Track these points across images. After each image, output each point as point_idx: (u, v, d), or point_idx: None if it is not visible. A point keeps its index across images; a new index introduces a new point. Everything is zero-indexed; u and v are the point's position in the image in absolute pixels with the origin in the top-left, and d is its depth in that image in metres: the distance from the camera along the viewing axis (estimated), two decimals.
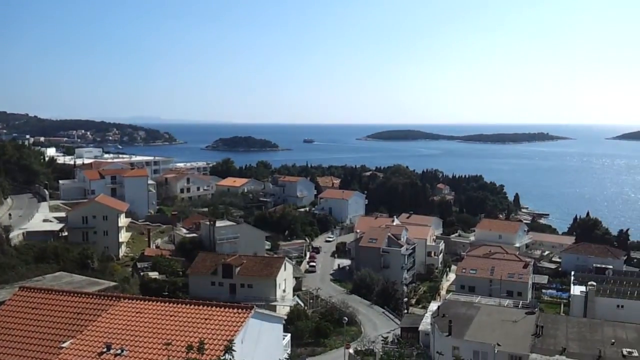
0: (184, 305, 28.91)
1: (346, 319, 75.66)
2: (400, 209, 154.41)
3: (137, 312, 27.89)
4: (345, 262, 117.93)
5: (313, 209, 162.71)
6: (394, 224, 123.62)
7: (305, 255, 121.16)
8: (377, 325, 80.00)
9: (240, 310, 28.16)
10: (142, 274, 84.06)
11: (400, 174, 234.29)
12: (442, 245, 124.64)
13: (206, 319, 27.30)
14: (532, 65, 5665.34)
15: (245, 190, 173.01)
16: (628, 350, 47.43)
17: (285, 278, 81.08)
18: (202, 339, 23.81)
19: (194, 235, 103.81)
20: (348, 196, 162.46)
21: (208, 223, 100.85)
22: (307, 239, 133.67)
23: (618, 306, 76.98)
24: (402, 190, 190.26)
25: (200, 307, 28.48)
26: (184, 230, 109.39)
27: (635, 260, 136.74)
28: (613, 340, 49.64)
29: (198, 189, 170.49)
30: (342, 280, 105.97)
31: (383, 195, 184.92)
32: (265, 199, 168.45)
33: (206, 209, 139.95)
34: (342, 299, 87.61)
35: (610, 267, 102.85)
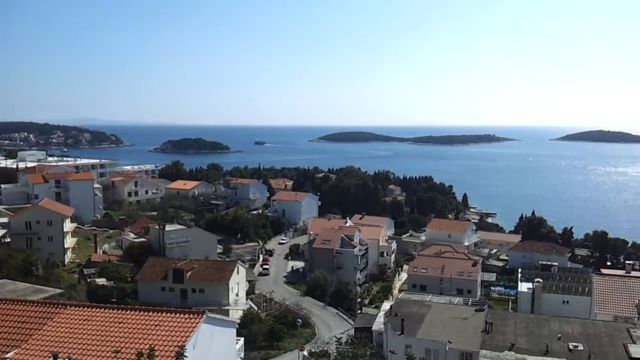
0: (133, 312, 28.17)
1: (300, 321, 75.49)
2: (353, 210, 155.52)
3: (84, 320, 26.98)
4: (299, 264, 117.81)
5: (266, 211, 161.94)
6: (347, 225, 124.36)
7: (259, 258, 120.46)
8: (331, 327, 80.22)
9: (191, 316, 27.67)
10: (89, 280, 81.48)
11: (352, 175, 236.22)
12: (394, 246, 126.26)
13: (156, 325, 26.66)
14: (478, 69, 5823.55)
15: (196, 193, 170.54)
16: (574, 344, 49.06)
17: (238, 282, 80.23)
18: (153, 345, 23.22)
19: (143, 240, 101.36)
20: (301, 198, 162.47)
21: (157, 227, 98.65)
22: (260, 241, 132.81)
23: (563, 302, 79.69)
24: (354, 191, 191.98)
25: (150, 313, 27.80)
26: (132, 235, 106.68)
27: (579, 257, 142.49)
28: (559, 335, 51.19)
29: (146, 192, 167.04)
30: (296, 283, 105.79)
31: (336, 197, 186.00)
32: (216, 202, 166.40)
33: (155, 213, 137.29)
34: (296, 301, 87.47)
35: (556, 264, 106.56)
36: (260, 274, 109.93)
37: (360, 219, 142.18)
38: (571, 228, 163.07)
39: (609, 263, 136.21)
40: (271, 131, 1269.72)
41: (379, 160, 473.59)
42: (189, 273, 76.86)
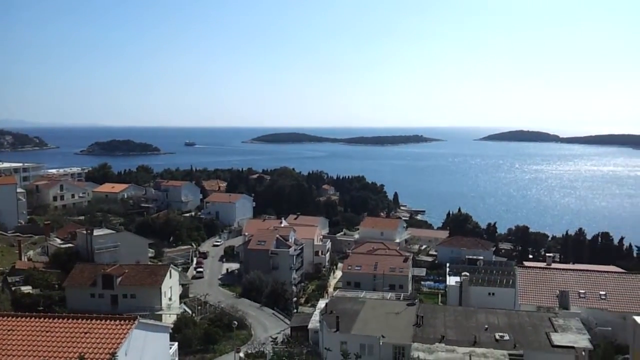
0: (60, 320, 27.40)
1: (236, 323, 75.01)
2: (288, 211, 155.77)
3: (8, 330, 25.93)
4: (234, 265, 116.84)
5: (199, 213, 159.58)
6: (282, 225, 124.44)
7: (192, 261, 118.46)
8: (268, 327, 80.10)
9: (122, 322, 27.20)
10: (13, 288, 77.46)
11: (287, 176, 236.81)
12: (328, 244, 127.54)
13: (86, 333, 26.04)
14: (406, 72, 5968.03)
15: (125, 197, 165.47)
16: (500, 334, 51.47)
17: (171, 286, 78.57)
18: (82, 353, 22.67)
19: (70, 245, 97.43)
20: (235, 199, 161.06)
21: (85, 232, 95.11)
22: (193, 244, 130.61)
23: (489, 294, 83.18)
24: (289, 192, 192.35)
25: (79, 320, 27.13)
26: (59, 241, 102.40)
27: (502, 250, 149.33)
28: (486, 326, 53.54)
29: (73, 196, 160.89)
30: (231, 285, 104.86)
31: (271, 198, 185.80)
32: (147, 205, 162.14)
33: (82, 218, 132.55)
34: (231, 303, 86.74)
35: (481, 257, 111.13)
36: (194, 277, 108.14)
37: (295, 219, 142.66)
38: (495, 223, 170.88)
39: (530, 256, 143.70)
40: (203, 132, 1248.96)
41: (313, 160, 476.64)
42: (120, 278, 74.64)
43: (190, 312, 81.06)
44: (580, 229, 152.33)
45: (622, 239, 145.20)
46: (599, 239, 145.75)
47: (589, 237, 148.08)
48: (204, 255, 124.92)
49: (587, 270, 76.75)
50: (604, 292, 68.09)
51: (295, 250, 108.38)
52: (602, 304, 66.76)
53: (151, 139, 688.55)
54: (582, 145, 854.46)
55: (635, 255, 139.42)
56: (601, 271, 77.62)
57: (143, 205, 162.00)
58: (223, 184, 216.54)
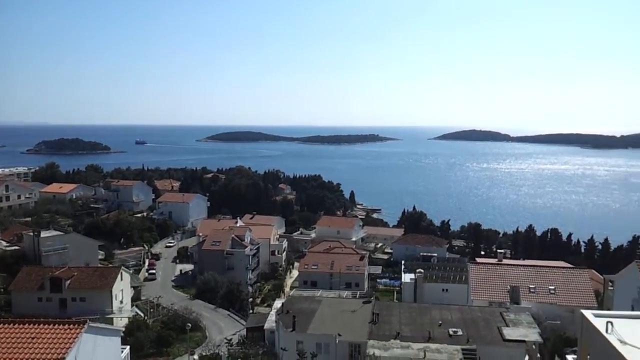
0: (6, 325, 26.28)
1: (189, 325, 73.61)
2: (243, 210, 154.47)
3: None
4: (188, 267, 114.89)
5: (151, 213, 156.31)
6: (238, 225, 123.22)
7: (144, 262, 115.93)
8: (223, 328, 79.10)
9: (71, 326, 26.27)
10: None
11: (242, 175, 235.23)
12: (285, 244, 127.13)
13: (33, 338, 24.99)
14: (361, 71, 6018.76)
15: (74, 197, 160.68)
16: (453, 329, 52.33)
17: (122, 288, 76.60)
18: (29, 359, 21.72)
19: (16, 247, 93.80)
20: (189, 199, 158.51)
21: (31, 234, 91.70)
22: (145, 245, 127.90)
23: (443, 290, 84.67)
24: (244, 191, 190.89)
25: (26, 325, 26.05)
26: (4, 243, 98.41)
27: (456, 247, 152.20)
28: (440, 322, 54.36)
29: (19, 197, 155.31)
30: (185, 286, 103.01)
31: (226, 197, 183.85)
32: (97, 206, 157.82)
33: (29, 219, 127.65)
34: (185, 305, 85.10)
35: (435, 254, 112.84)
36: (147, 279, 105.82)
37: (251, 218, 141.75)
38: (448, 221, 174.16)
39: (482, 252, 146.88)
40: (155, 130, 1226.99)
41: (269, 159, 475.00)
42: (68, 281, 72.26)
43: (142, 314, 79.26)
44: (530, 226, 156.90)
45: (570, 234, 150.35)
46: (548, 235, 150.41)
47: (538, 233, 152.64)
48: (157, 257, 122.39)
49: (537, 266, 79.00)
50: (553, 287, 70.17)
51: (251, 250, 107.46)
52: (551, 298, 68.80)
53: (101, 137, 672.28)
54: (532, 144, 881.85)
55: (582, 250, 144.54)
56: (550, 266, 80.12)
57: (92, 205, 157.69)
58: (176, 184, 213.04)
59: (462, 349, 48.28)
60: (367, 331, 52.19)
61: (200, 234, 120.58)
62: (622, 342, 19.41)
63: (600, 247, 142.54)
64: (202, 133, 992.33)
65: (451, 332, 51.83)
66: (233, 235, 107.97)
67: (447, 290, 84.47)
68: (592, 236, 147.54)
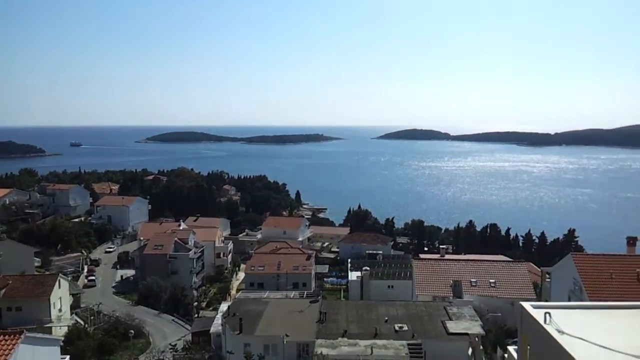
0: None
1: (132, 331, 71.52)
2: (186, 213, 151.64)
3: None
4: (130, 272, 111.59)
5: (89, 218, 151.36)
6: (181, 228, 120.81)
7: (83, 269, 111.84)
8: (167, 334, 77.34)
9: (7, 337, 24.99)
10: None
11: (185, 176, 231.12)
12: (230, 246, 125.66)
13: None
14: (305, 71, 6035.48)
15: (7, 202, 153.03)
16: (399, 325, 53.13)
17: (60, 296, 73.66)
18: None
19: None
20: (129, 202, 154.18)
21: None
22: (83, 251, 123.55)
23: (389, 286, 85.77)
24: (187, 193, 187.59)
25: None
26: None
27: (400, 244, 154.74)
28: (386, 318, 55.06)
29: None
30: (127, 292, 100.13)
31: (168, 200, 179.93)
32: (32, 211, 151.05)
33: None
34: (127, 312, 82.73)
35: (380, 252, 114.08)
36: (86, 286, 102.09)
37: (195, 221, 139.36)
38: (393, 218, 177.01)
39: (426, 248, 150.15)
40: (92, 132, 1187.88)
41: (212, 160, 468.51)
42: (3, 290, 69.04)
43: (82, 323, 76.63)
44: (470, 221, 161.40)
45: (508, 229, 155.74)
46: (488, 230, 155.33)
47: (478, 228, 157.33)
48: (96, 263, 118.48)
49: (478, 260, 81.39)
50: (493, 280, 72.39)
51: (195, 253, 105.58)
52: (492, 291, 70.94)
53: (35, 139, 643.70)
54: (471, 142, 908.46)
55: (520, 244, 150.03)
56: (490, 260, 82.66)
57: (27, 211, 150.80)
58: (115, 187, 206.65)
59: (408, 344, 49.02)
60: (315, 330, 52.22)
61: (142, 238, 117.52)
62: (559, 331, 20.01)
63: (537, 240, 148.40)
64: (142, 134, 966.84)
65: (397, 328, 52.57)
66: (176, 239, 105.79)
67: (392, 286, 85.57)
68: (529, 230, 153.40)
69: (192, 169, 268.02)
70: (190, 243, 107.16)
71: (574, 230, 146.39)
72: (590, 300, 40.29)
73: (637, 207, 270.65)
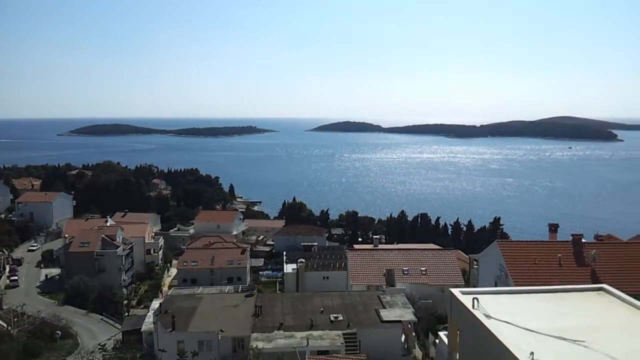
0: None
1: (59, 332, 68.61)
2: (114, 208, 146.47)
3: None
4: (55, 271, 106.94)
5: (10, 215, 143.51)
6: (108, 224, 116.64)
7: (4, 269, 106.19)
8: (96, 334, 74.97)
9: None
10: None
11: (111, 170, 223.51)
12: (161, 242, 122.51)
13: None
14: (236, 62, 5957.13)
15: None
16: (334, 315, 53.67)
17: None
18: None
19: None
20: (52, 198, 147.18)
21: None
22: (4, 250, 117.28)
23: (324, 278, 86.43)
24: (114, 187, 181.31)
25: None
26: None
27: (335, 235, 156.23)
28: (322, 309, 55.49)
29: None
30: (52, 292, 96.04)
31: (94, 195, 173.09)
32: None
33: None
34: (53, 312, 79.43)
35: (316, 244, 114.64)
36: (8, 287, 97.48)
37: (123, 216, 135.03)
38: (327, 210, 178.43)
39: (360, 239, 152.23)
40: (11, 124, 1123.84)
41: (141, 153, 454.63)
42: None
43: (5, 325, 72.97)
44: (402, 212, 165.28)
45: (438, 218, 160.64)
46: (419, 219, 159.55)
47: (410, 218, 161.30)
48: (18, 262, 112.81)
49: (409, 249, 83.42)
50: (424, 268, 74.44)
51: (123, 250, 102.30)
52: (423, 279, 72.95)
53: None
54: (402, 134, 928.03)
55: (450, 233, 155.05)
56: (421, 249, 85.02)
57: None
58: (37, 182, 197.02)
59: (343, 334, 49.61)
60: (251, 324, 51.88)
61: (67, 235, 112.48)
62: (487, 316, 20.72)
63: (465, 229, 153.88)
64: (64, 127, 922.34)
65: (332, 318, 53.08)
66: (103, 235, 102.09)
67: (327, 277, 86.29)
68: (457, 219, 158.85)
69: (119, 163, 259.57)
70: (118, 240, 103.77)
71: (499, 218, 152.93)
72: (516, 285, 42.17)
73: (557, 195, 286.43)
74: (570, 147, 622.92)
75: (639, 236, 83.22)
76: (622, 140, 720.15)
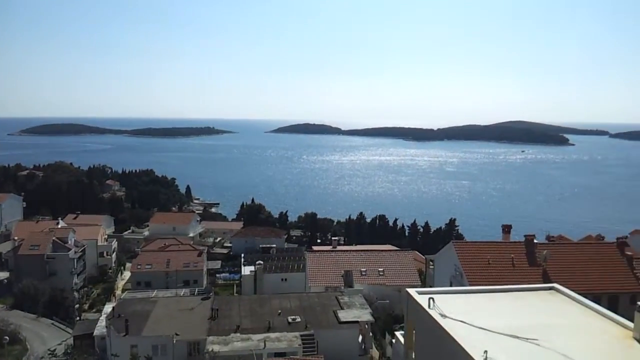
0: None
1: (7, 338, 66.03)
2: (66, 210, 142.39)
3: None
4: (3, 274, 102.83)
5: None
6: (59, 226, 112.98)
7: None
8: (46, 339, 72.57)
9: None
10: None
11: (63, 171, 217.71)
12: (115, 244, 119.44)
13: None
14: (193, 61, 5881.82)
15: None
16: (292, 317, 53.45)
17: None
18: None
19: None
20: (1, 200, 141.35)
21: None
22: None
23: (282, 279, 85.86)
24: (67, 189, 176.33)
25: None
26: None
27: (294, 237, 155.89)
28: (280, 311, 55.18)
29: None
30: (0, 296, 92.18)
31: (45, 196, 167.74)
32: None
33: None
34: (1, 317, 76.29)
35: (274, 245, 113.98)
36: None
37: (75, 218, 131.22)
38: (286, 212, 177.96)
39: (319, 240, 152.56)
40: None
41: (94, 154, 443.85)
42: None
43: None
44: (361, 213, 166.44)
45: (395, 220, 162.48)
46: (377, 221, 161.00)
47: (368, 220, 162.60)
48: None
49: (367, 250, 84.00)
50: (382, 269, 75.05)
51: (75, 252, 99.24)
52: (380, 279, 73.54)
53: None
54: (361, 137, 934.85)
55: (407, 234, 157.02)
56: (379, 250, 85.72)
57: None
58: None
59: (301, 335, 49.44)
60: (207, 328, 51.12)
61: (16, 238, 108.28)
62: (442, 315, 20.93)
63: (422, 230, 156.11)
64: (15, 126, 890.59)
65: (290, 320, 52.84)
66: (54, 238, 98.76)
67: (286, 279, 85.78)
68: (414, 220, 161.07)
69: (71, 163, 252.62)
70: (70, 242, 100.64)
71: (454, 219, 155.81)
72: (470, 285, 42.88)
73: (510, 197, 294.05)
74: (523, 151, 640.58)
75: (588, 237, 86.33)
76: (573, 145, 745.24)
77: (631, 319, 19.84)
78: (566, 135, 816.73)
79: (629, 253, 54.48)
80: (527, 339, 18.51)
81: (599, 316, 21.42)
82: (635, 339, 18.86)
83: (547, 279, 47.22)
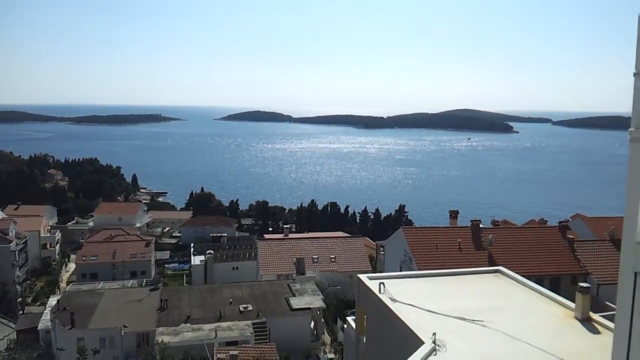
0: None
1: None
2: (6, 201, 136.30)
3: None
4: None
5: None
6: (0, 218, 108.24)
7: None
8: None
9: None
10: None
11: (2, 160, 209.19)
12: (58, 235, 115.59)
13: None
14: (139, 45, 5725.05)
15: None
16: (244, 306, 53.19)
17: None
18: None
19: None
20: None
21: None
22: None
23: (233, 268, 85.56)
24: (6, 179, 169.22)
25: None
26: None
27: (245, 226, 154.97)
28: (231, 300, 54.83)
29: None
30: None
31: None
32: None
33: None
34: None
35: (225, 234, 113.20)
36: None
37: (16, 209, 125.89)
38: (237, 200, 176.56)
39: (270, 229, 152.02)
40: None
41: (36, 142, 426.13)
42: None
43: None
44: (312, 201, 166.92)
45: (347, 207, 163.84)
46: (329, 208, 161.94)
47: (320, 207, 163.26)
48: None
49: (319, 237, 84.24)
50: (333, 256, 75.51)
51: (17, 245, 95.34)
52: (332, 266, 73.99)
53: None
54: (312, 124, 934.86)
55: (358, 220, 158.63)
56: (330, 237, 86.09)
57: None
58: None
59: (253, 324, 49.34)
60: (156, 319, 50.32)
61: None
62: (392, 299, 21.20)
63: (372, 216, 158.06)
64: None
65: (242, 309, 52.61)
66: None
67: (237, 268, 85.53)
68: (365, 207, 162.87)
69: (11, 152, 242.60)
70: (11, 234, 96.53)
71: (404, 206, 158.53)
72: (419, 269, 43.68)
73: (457, 183, 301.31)
74: (469, 139, 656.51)
75: (532, 221, 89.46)
76: (517, 132, 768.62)
77: (572, 300, 20.64)
78: (511, 123, 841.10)
79: (570, 236, 56.70)
80: (474, 320, 18.98)
81: (542, 297, 22.19)
82: (577, 318, 19.65)
83: (492, 262, 48.63)
